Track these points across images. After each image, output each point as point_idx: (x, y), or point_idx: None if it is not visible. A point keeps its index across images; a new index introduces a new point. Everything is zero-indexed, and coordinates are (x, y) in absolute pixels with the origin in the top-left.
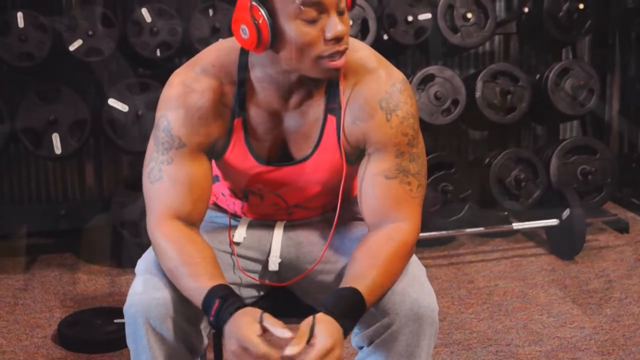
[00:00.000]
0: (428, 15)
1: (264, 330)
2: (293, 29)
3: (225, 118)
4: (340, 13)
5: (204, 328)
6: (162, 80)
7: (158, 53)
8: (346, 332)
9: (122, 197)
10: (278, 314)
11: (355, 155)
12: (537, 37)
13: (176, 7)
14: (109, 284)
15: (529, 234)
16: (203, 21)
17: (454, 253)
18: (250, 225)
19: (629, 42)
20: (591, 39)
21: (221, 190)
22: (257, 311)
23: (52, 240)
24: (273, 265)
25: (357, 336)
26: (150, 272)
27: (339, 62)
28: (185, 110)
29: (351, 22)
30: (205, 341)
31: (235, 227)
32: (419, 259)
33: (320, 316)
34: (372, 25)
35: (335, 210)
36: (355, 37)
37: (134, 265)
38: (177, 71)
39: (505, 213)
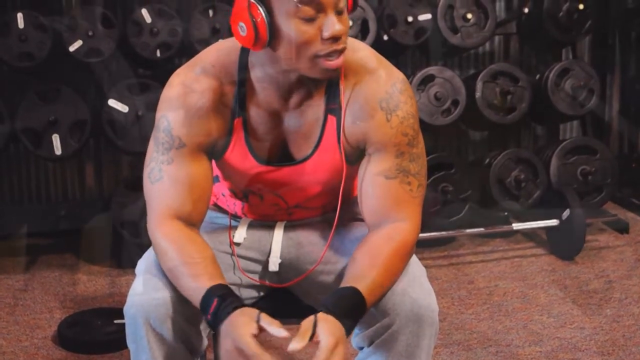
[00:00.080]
0: (428, 16)
1: (261, 330)
2: (290, 27)
3: (225, 118)
4: (339, 13)
5: (204, 328)
6: (162, 80)
7: (158, 53)
8: (347, 332)
9: (122, 198)
10: (278, 314)
11: (356, 155)
12: (537, 38)
13: (176, 7)
14: (109, 284)
15: (529, 235)
16: (203, 22)
17: (454, 253)
18: (251, 226)
19: (629, 42)
20: (591, 39)
21: (221, 191)
22: (254, 311)
23: (52, 241)
24: (273, 266)
25: (357, 337)
26: (151, 272)
27: (336, 62)
28: (186, 111)
29: (351, 23)
30: (205, 341)
31: (236, 227)
32: (419, 259)
33: (321, 315)
34: (372, 26)
35: (335, 211)
36: (355, 37)
37: (134, 265)
38: (177, 71)
39: (505, 213)
